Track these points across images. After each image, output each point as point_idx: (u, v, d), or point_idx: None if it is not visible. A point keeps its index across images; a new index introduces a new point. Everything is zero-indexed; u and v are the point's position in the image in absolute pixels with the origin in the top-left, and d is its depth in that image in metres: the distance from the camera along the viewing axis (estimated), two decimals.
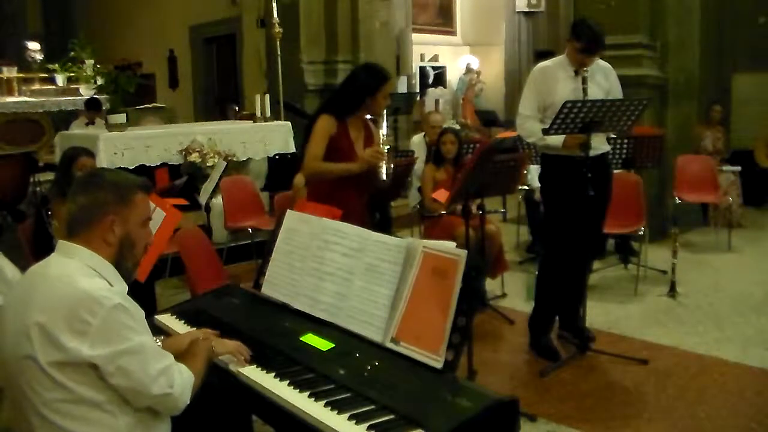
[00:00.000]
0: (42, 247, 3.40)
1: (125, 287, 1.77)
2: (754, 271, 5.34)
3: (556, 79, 3.63)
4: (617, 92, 3.75)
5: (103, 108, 8.83)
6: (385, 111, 3.29)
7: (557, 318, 4.02)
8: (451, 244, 2.06)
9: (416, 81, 11.89)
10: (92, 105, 8.59)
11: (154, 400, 1.63)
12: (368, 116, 3.40)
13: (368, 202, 3.77)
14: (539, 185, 4.00)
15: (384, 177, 3.20)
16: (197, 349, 1.87)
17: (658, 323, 4.32)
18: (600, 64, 3.69)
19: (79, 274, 1.65)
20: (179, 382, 1.67)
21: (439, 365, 1.78)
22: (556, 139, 3.53)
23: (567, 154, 3.58)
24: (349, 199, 3.26)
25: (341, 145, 3.28)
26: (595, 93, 3.55)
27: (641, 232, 5.02)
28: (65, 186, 3.40)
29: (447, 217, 4.69)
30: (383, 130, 3.27)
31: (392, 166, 3.34)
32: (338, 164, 3.25)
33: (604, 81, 3.68)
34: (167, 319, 2.32)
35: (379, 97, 3.27)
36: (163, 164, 5.74)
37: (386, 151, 3.19)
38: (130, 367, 1.57)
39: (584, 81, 3.53)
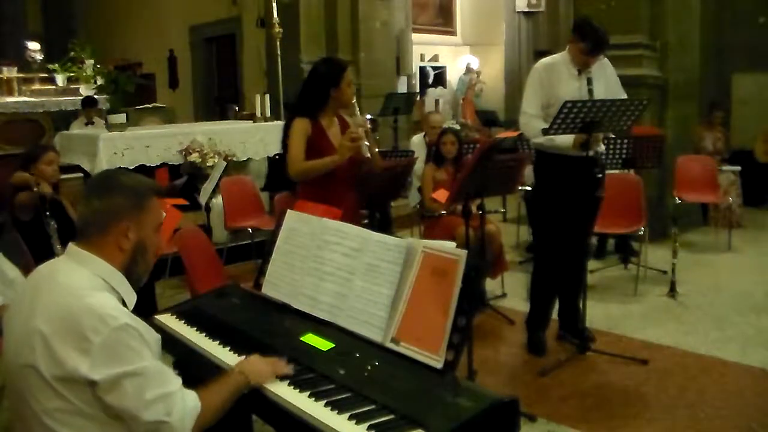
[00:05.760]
0: (40, 248, 3.41)
1: (134, 298, 1.74)
2: (754, 271, 5.35)
3: (559, 78, 3.62)
4: (615, 84, 3.73)
5: (100, 105, 8.85)
6: (355, 99, 3.33)
7: (557, 318, 4.03)
8: (451, 244, 2.06)
9: (416, 81, 11.88)
10: (88, 103, 8.62)
11: (148, 426, 1.55)
12: (340, 111, 3.43)
13: (367, 201, 3.78)
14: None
15: (368, 154, 3.22)
16: (224, 382, 1.76)
17: (658, 323, 4.32)
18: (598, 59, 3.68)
19: (89, 286, 1.61)
20: (179, 411, 1.59)
21: (439, 365, 1.78)
22: (565, 139, 3.51)
23: (567, 153, 3.57)
24: (340, 194, 3.28)
25: (321, 143, 3.29)
26: (599, 92, 3.54)
27: (641, 232, 5.02)
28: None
29: (447, 217, 4.69)
30: (356, 111, 3.28)
31: (373, 142, 3.37)
32: (323, 159, 3.26)
33: (603, 76, 3.67)
34: (167, 319, 2.31)
35: (343, 86, 3.31)
36: (163, 164, 5.75)
37: (363, 131, 3.21)
38: (126, 389, 1.52)
39: (589, 82, 3.52)
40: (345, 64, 3.42)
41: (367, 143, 3.21)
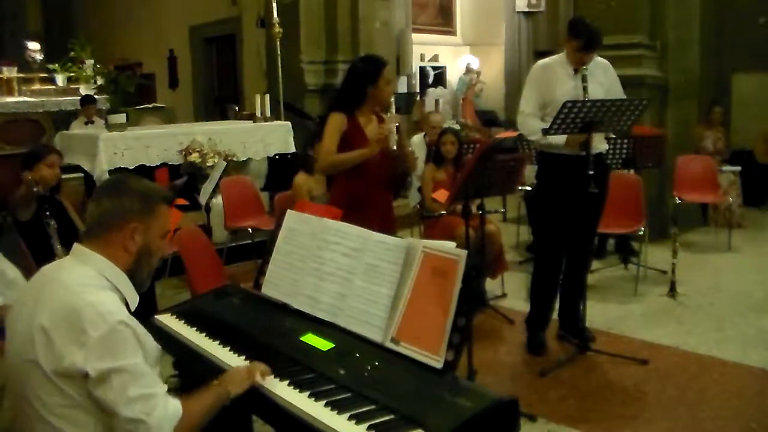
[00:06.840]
0: (40, 248, 3.40)
1: (137, 298, 1.76)
2: (754, 271, 5.34)
3: (556, 77, 3.64)
4: (617, 89, 3.75)
5: (98, 104, 8.86)
6: (393, 99, 3.32)
7: (557, 318, 4.03)
8: (451, 244, 2.06)
9: (416, 81, 11.88)
10: (86, 100, 8.63)
11: (126, 423, 1.56)
12: (377, 109, 3.43)
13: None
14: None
15: (394, 146, 3.23)
16: (206, 393, 1.76)
17: (658, 323, 4.31)
18: (598, 61, 3.70)
19: (91, 284, 1.64)
20: (159, 413, 1.59)
21: (439, 365, 1.78)
22: (559, 138, 3.53)
23: (567, 152, 3.58)
24: (374, 196, 3.30)
25: (355, 139, 3.29)
26: (595, 91, 3.55)
27: (641, 232, 5.02)
28: None
29: (447, 217, 4.69)
30: (392, 110, 3.30)
31: (405, 141, 3.39)
32: (352, 152, 3.26)
33: (603, 78, 3.69)
34: (167, 319, 2.32)
35: (380, 84, 3.30)
36: (163, 164, 5.75)
37: (394, 126, 3.23)
38: (113, 383, 1.54)
39: (584, 79, 3.53)
40: (384, 63, 3.38)
41: (396, 136, 3.22)
